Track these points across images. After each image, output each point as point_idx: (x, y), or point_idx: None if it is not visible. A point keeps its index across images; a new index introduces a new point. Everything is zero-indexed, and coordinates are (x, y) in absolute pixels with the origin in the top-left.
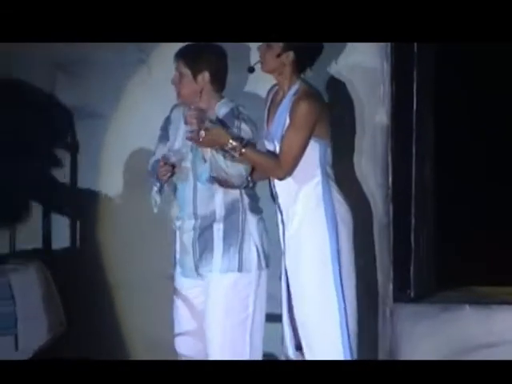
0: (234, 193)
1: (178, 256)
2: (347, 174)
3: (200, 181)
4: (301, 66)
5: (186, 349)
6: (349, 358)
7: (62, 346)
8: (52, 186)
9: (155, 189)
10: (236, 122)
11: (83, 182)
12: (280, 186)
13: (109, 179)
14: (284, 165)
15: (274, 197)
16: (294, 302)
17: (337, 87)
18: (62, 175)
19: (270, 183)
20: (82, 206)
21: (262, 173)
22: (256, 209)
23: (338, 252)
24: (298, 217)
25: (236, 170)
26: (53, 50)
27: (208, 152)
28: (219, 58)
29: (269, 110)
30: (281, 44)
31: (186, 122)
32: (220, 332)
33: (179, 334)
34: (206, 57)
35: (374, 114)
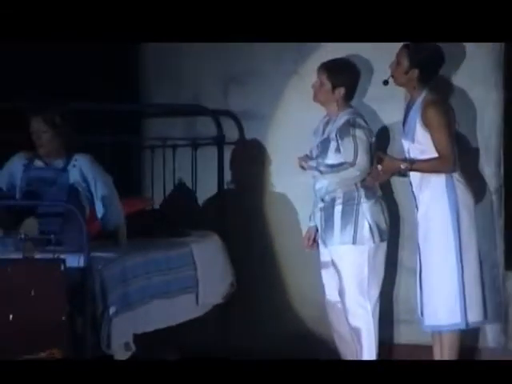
0: (351, 185)
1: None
2: (470, 165)
3: (319, 196)
4: (425, 79)
5: (330, 306)
6: (463, 319)
7: (232, 303)
8: (226, 175)
9: None
10: (351, 130)
11: (250, 170)
12: (414, 178)
13: (271, 167)
14: (447, 161)
15: (411, 185)
16: (423, 271)
17: (459, 93)
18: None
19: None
20: (249, 190)
21: (434, 173)
22: (370, 195)
23: (459, 231)
24: (426, 202)
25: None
26: (227, 65)
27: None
28: (355, 77)
29: (405, 116)
30: (407, 62)
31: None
32: (346, 290)
33: (326, 293)
34: (345, 75)
35: (489, 116)
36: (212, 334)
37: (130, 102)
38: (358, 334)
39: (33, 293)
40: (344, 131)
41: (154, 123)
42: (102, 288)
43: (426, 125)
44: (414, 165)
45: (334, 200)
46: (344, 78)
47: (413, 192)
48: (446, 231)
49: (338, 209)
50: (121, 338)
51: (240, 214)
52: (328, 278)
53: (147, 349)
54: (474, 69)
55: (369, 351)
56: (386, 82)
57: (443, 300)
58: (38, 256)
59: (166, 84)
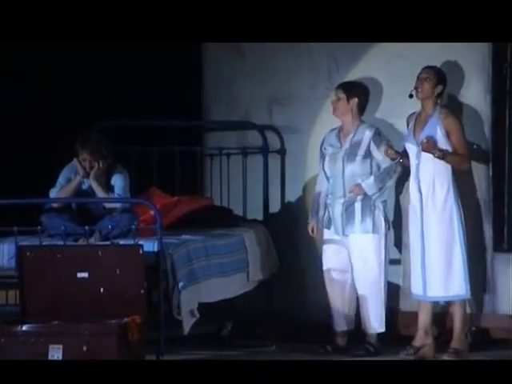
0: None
1: (326, 221)
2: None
3: (338, 195)
4: (442, 93)
5: (334, 283)
6: (465, 290)
7: (276, 280)
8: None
9: None
10: (379, 138)
11: (290, 177)
12: (422, 173)
13: (310, 173)
14: (466, 159)
15: (418, 180)
16: (428, 253)
17: (452, 100)
18: (274, 172)
19: (416, 172)
20: (289, 189)
21: (456, 166)
22: (380, 194)
23: (461, 219)
24: (437, 195)
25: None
26: (271, 90)
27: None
28: (365, 91)
29: (414, 126)
30: (436, 79)
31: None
32: (364, 272)
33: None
34: (356, 88)
35: (479, 130)
36: (259, 304)
37: (195, 120)
38: (372, 304)
39: (118, 271)
40: (377, 141)
41: (213, 136)
42: (172, 267)
43: (448, 131)
44: (447, 154)
45: (354, 198)
46: (356, 91)
47: (419, 188)
48: (451, 219)
49: (358, 204)
50: (188, 306)
51: (281, 208)
52: (336, 260)
53: (208, 322)
54: (467, 94)
55: (377, 317)
56: (411, 96)
57: (448, 276)
58: (121, 242)
59: (222, 105)
